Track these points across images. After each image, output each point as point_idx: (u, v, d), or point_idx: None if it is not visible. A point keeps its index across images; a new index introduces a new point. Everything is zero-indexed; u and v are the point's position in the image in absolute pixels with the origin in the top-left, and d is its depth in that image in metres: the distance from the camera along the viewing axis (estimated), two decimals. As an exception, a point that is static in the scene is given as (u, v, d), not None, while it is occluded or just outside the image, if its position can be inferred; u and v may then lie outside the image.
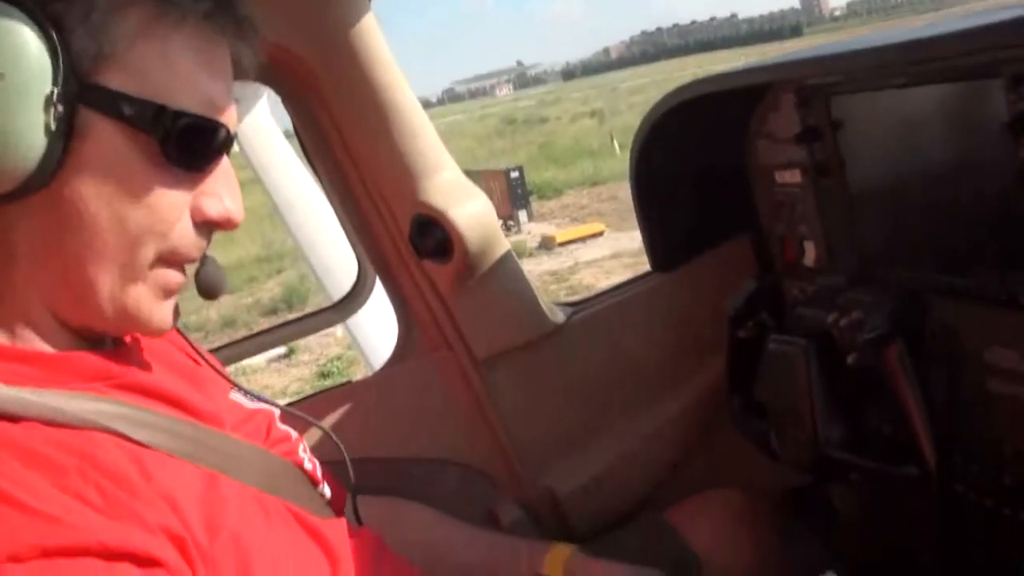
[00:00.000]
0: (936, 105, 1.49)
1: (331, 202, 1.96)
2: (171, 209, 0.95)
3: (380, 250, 1.94)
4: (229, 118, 1.00)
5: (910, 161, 1.60)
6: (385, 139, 1.77)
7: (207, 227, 1.01)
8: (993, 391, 1.54)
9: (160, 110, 0.91)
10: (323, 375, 9.88)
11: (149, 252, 0.95)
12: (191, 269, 1.05)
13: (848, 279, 1.74)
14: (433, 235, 1.78)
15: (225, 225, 1.01)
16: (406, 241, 1.84)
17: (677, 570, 1.58)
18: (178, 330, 1.23)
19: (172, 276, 1.00)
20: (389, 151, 1.77)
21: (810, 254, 1.92)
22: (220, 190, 1.00)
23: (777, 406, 1.67)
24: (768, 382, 1.69)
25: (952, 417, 1.61)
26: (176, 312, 1.04)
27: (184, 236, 0.98)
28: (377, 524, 1.37)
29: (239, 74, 1.03)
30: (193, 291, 1.10)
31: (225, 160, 1.01)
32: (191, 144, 0.94)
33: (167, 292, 1.01)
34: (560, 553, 1.54)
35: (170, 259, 0.98)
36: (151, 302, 0.99)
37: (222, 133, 0.98)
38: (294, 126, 1.92)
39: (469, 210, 1.79)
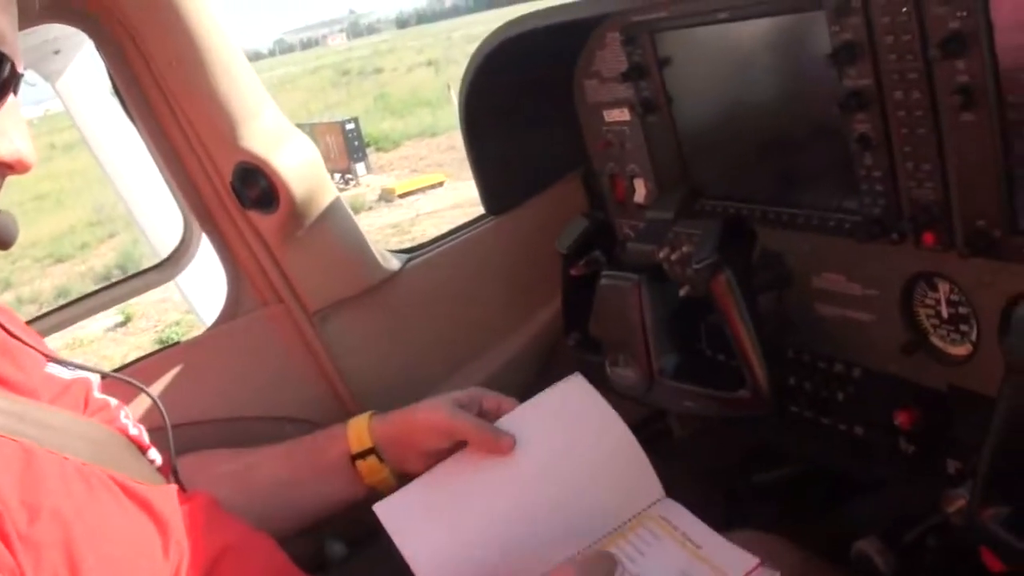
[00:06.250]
0: (762, 39, 1.52)
1: (151, 153, 1.87)
2: None
3: (203, 202, 1.85)
4: (13, 53, 0.94)
5: (737, 95, 1.62)
6: (203, 83, 1.69)
7: None
8: (822, 314, 1.59)
9: None
10: (162, 342, 9.61)
11: None
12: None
13: (677, 213, 1.76)
14: (257, 184, 1.72)
15: (16, 167, 0.96)
16: (230, 191, 1.77)
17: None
18: None
19: None
20: (208, 96, 1.70)
21: (640, 191, 1.94)
22: (8, 130, 0.95)
23: (612, 341, 1.69)
24: (602, 317, 1.70)
25: (783, 341, 1.66)
26: None
27: None
28: (188, 475, 1.34)
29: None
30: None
31: (13, 99, 0.96)
32: None
33: None
34: (359, 425, 1.52)
35: None
36: None
37: (6, 68, 0.92)
38: (109, 74, 1.81)
39: (293, 156, 1.73)
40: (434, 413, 1.44)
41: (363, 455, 1.49)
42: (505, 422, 1.43)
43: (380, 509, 1.38)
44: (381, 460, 1.49)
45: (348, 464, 1.50)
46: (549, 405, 1.46)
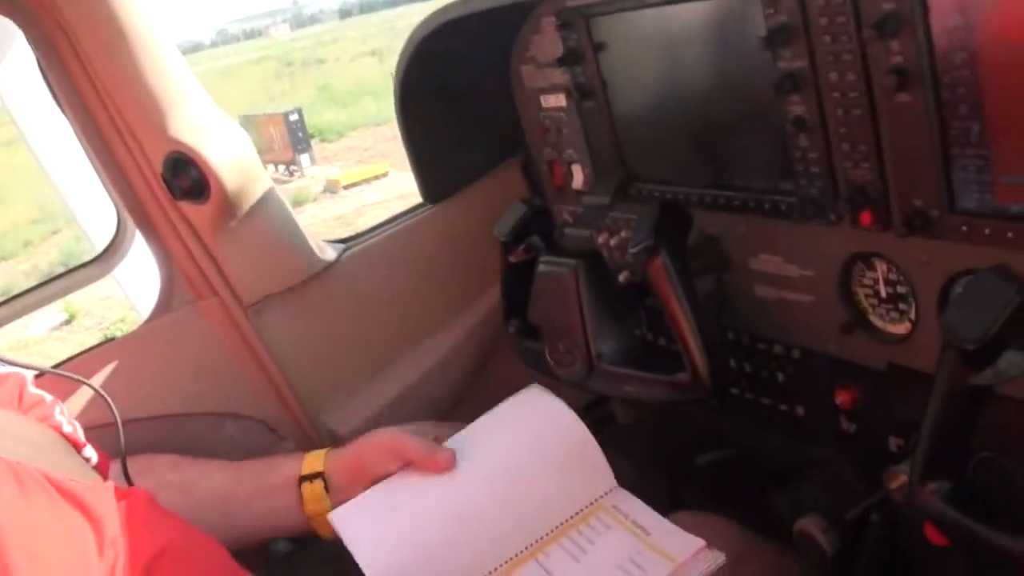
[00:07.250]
0: (697, 23, 1.51)
1: (82, 145, 1.82)
2: None
3: (134, 194, 1.81)
4: None
5: (673, 79, 1.62)
6: (131, 71, 1.65)
7: None
8: (760, 296, 1.60)
9: None
10: (108, 340, 9.49)
11: None
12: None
13: (613, 198, 1.75)
14: (187, 174, 1.68)
15: None
16: (160, 183, 1.73)
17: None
18: None
19: None
20: (136, 84, 1.66)
21: (578, 177, 1.93)
22: None
23: (551, 327, 1.68)
24: (541, 304, 1.69)
25: (723, 323, 1.67)
26: None
27: None
28: (134, 481, 1.32)
29: None
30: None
31: None
32: None
33: None
34: (316, 454, 1.55)
35: None
36: None
37: None
38: (38, 62, 1.75)
39: (223, 146, 1.70)
40: (380, 435, 1.49)
41: (310, 478, 1.50)
42: (462, 433, 1.48)
43: (335, 517, 1.42)
44: (327, 489, 1.50)
45: (293, 485, 1.51)
46: (507, 413, 1.51)
